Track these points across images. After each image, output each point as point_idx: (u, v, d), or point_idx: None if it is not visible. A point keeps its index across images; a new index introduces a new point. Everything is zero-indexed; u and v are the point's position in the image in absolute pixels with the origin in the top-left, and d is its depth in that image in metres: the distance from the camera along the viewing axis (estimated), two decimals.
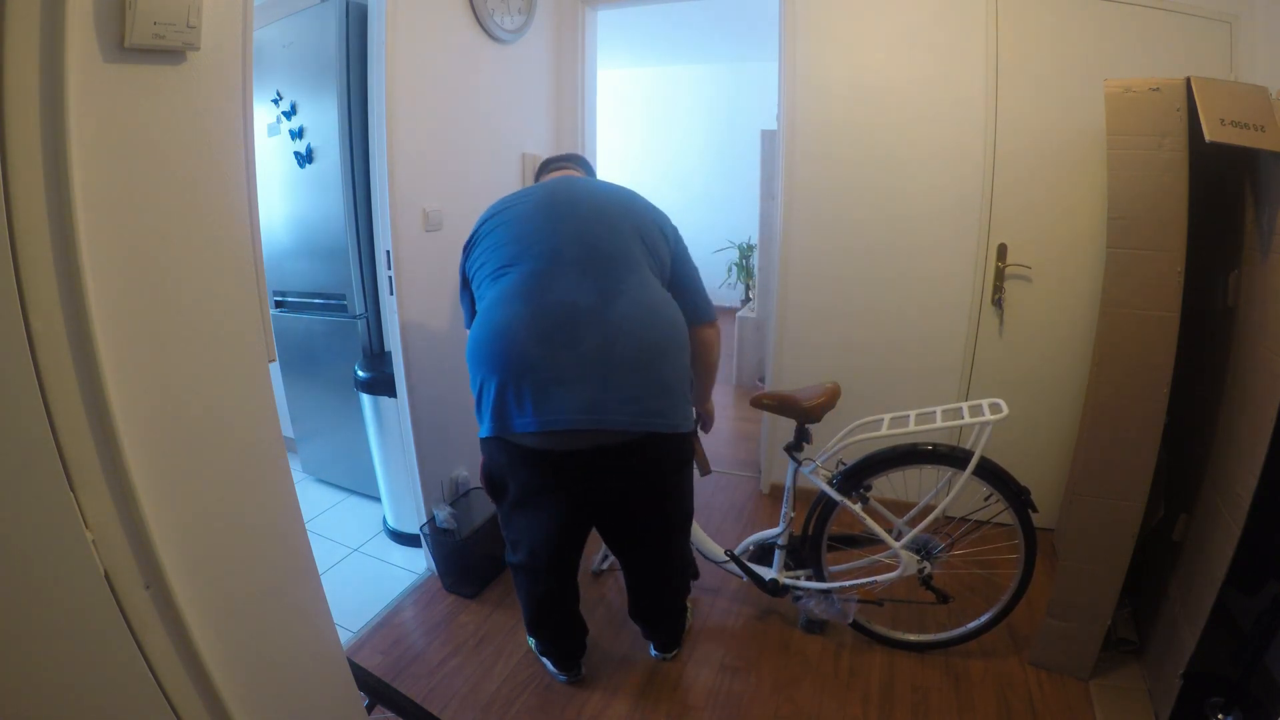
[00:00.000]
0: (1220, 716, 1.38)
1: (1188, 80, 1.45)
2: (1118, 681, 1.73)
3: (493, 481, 1.62)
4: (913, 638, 1.90)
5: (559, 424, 1.41)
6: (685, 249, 1.67)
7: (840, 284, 2.58)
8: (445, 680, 1.82)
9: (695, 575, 1.97)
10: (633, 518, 1.66)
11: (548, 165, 1.82)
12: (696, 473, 1.81)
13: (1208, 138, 1.33)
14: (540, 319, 1.42)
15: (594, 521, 1.69)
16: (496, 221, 1.57)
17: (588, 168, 1.84)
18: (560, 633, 1.77)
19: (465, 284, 1.63)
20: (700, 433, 1.93)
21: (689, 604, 2.00)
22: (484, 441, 1.55)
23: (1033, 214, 2.30)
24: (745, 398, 1.88)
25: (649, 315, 1.46)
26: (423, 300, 2.15)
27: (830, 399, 1.78)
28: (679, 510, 1.70)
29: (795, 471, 1.84)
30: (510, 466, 1.53)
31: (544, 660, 1.85)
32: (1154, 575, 1.81)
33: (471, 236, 1.61)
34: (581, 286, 1.43)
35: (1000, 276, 2.36)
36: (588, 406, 1.40)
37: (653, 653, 1.89)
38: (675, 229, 1.66)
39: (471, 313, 1.62)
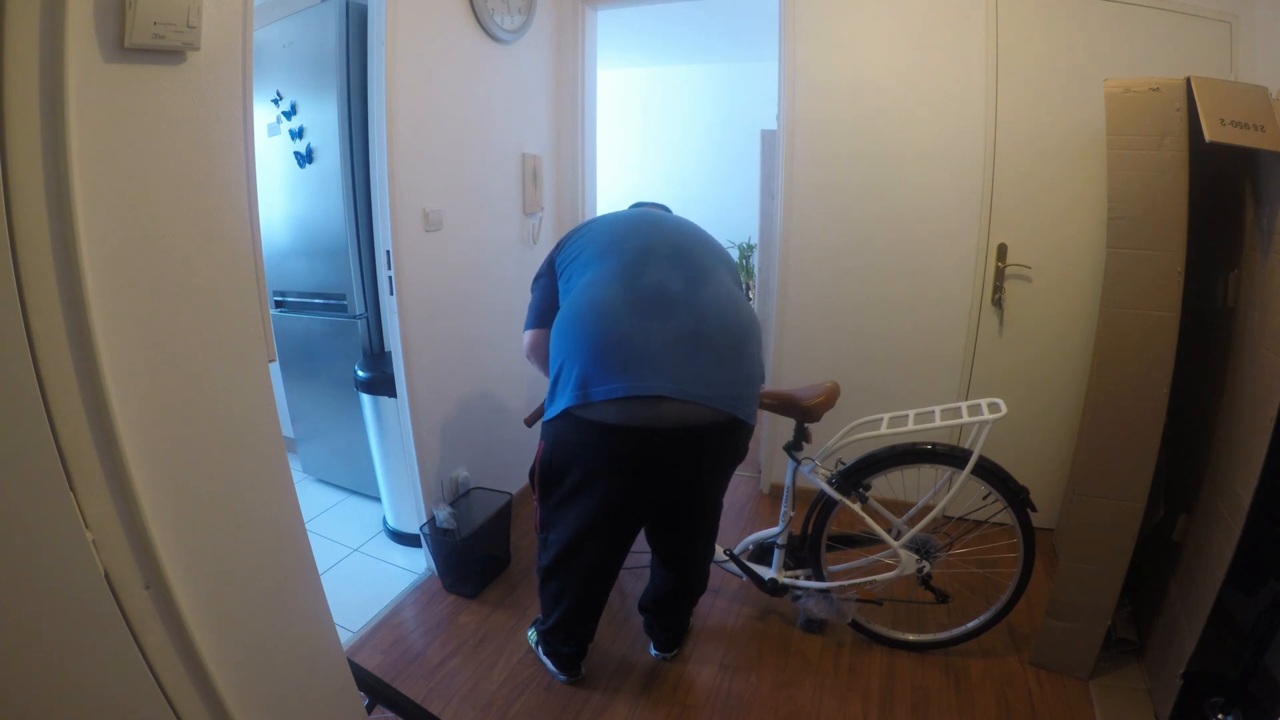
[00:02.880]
0: (1220, 716, 1.38)
1: (1188, 80, 1.45)
2: (1118, 681, 1.73)
3: (550, 469, 1.56)
4: (912, 637, 1.90)
5: (646, 389, 1.38)
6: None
7: (840, 283, 2.58)
8: (445, 680, 1.82)
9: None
10: (685, 506, 1.69)
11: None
12: None
13: (1208, 138, 1.33)
14: (635, 297, 1.47)
15: (647, 515, 1.67)
16: (592, 226, 1.68)
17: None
18: (577, 638, 1.75)
19: (550, 273, 1.69)
20: None
21: None
22: (551, 423, 1.50)
23: (1032, 214, 2.30)
24: None
25: (734, 307, 1.53)
26: (423, 300, 2.15)
27: (830, 398, 1.78)
28: (718, 508, 1.78)
29: (795, 471, 1.84)
30: (579, 446, 1.48)
31: (545, 660, 1.84)
32: (1154, 575, 1.81)
33: (567, 236, 1.70)
34: (672, 275, 1.51)
35: (1000, 276, 2.36)
36: (676, 379, 1.40)
37: (652, 651, 1.89)
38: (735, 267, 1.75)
39: (544, 303, 1.69)
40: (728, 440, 1.51)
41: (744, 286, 1.74)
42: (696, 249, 1.61)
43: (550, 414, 1.50)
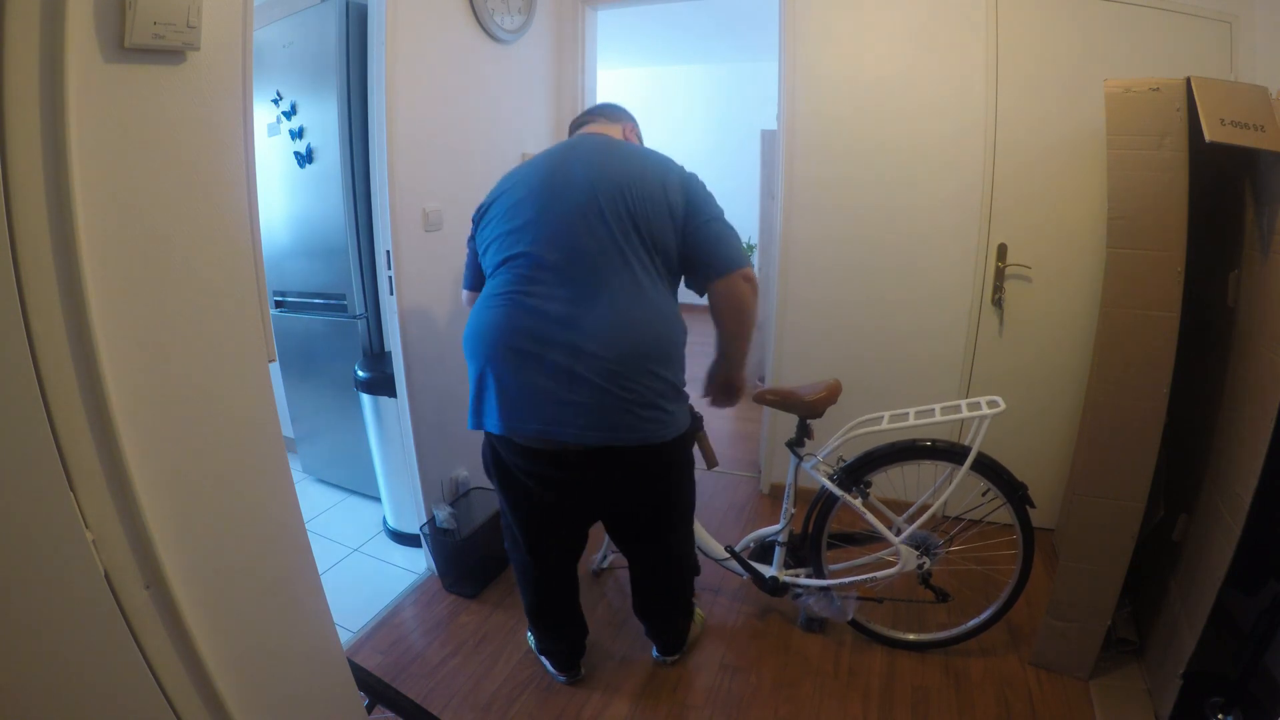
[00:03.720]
0: (1220, 716, 1.38)
1: (1188, 80, 1.45)
2: (1118, 681, 1.73)
3: (487, 469, 1.67)
4: (912, 636, 1.90)
5: (520, 434, 1.47)
6: (703, 201, 1.50)
7: (840, 283, 2.58)
8: (445, 680, 1.82)
9: (696, 571, 1.96)
10: (622, 515, 1.68)
11: (576, 123, 1.74)
12: (701, 465, 1.82)
13: (1208, 138, 1.33)
14: (513, 327, 1.43)
15: (582, 518, 1.71)
16: (502, 204, 1.51)
17: (614, 115, 1.72)
18: (557, 627, 1.78)
19: (473, 240, 1.61)
20: (715, 410, 1.85)
21: (697, 611, 1.99)
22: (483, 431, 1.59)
23: (1032, 213, 2.30)
24: (746, 396, 1.87)
25: (624, 330, 1.40)
26: (423, 300, 2.15)
27: (832, 395, 1.79)
28: (674, 510, 1.69)
29: (796, 467, 1.84)
30: (495, 456, 1.60)
31: (543, 659, 1.85)
32: (1154, 575, 1.81)
33: (481, 208, 1.57)
34: (555, 295, 1.41)
35: (1000, 276, 2.36)
36: (547, 419, 1.43)
37: (655, 655, 1.88)
38: (688, 184, 1.50)
39: (473, 265, 1.63)
40: (625, 464, 1.49)
41: (694, 203, 1.48)
42: (596, 235, 1.40)
43: (469, 423, 1.57)
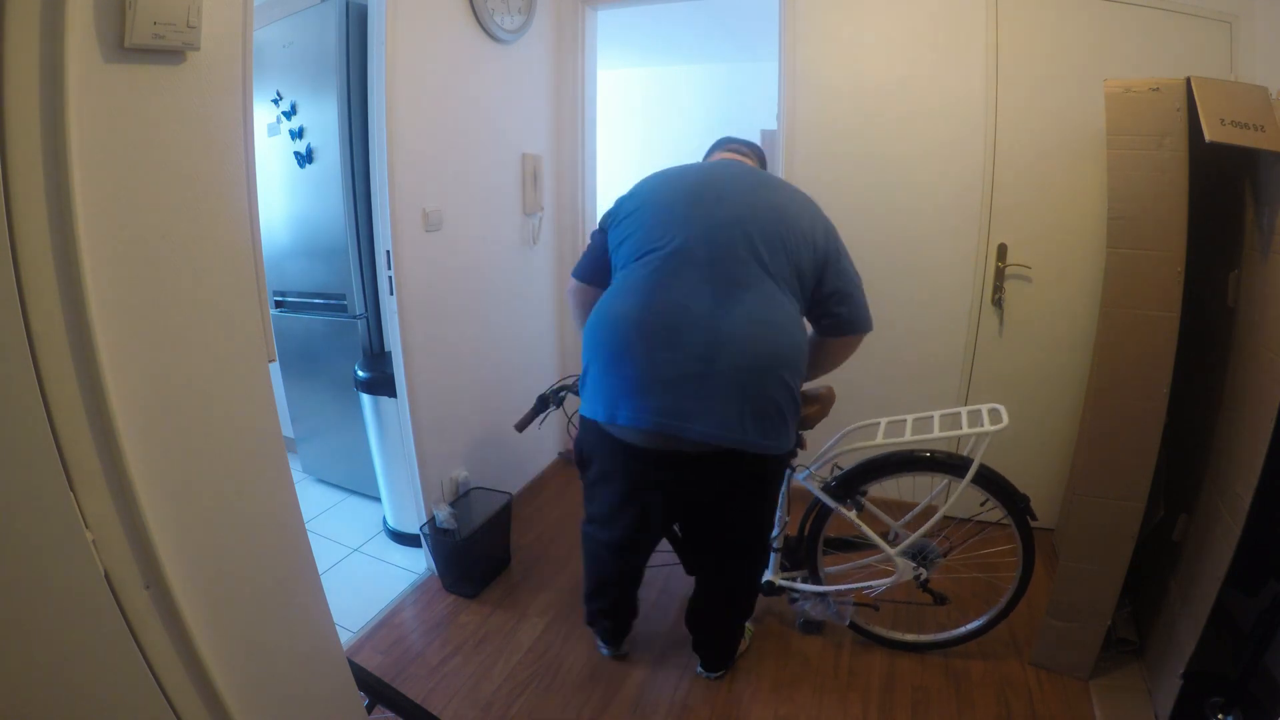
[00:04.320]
0: (1220, 716, 1.38)
1: (1188, 80, 1.45)
2: (1118, 681, 1.73)
3: (580, 455, 1.66)
4: (911, 638, 1.90)
5: (640, 423, 1.42)
6: (843, 258, 1.57)
7: None
8: (445, 680, 1.82)
9: (759, 592, 1.87)
10: (702, 526, 1.68)
11: (720, 144, 1.76)
12: None
13: (1208, 138, 1.33)
14: (650, 317, 1.41)
15: (667, 519, 1.71)
16: (645, 198, 1.53)
17: (761, 158, 1.76)
18: (611, 610, 1.82)
19: (603, 232, 1.60)
20: None
21: (749, 626, 1.96)
22: (580, 416, 1.59)
23: (1032, 214, 2.30)
24: None
25: (763, 331, 1.40)
26: (423, 300, 2.15)
27: (824, 407, 1.72)
28: (752, 533, 1.66)
29: (789, 478, 1.83)
30: (597, 447, 1.58)
31: (592, 631, 1.92)
32: (1154, 575, 1.81)
33: (620, 202, 1.58)
34: (699, 291, 1.40)
35: (1000, 276, 2.36)
36: (672, 412, 1.40)
37: (698, 670, 1.85)
38: (832, 237, 1.55)
39: (591, 260, 1.62)
40: (734, 472, 1.48)
41: (834, 256, 1.55)
42: (742, 245, 1.42)
43: (581, 409, 1.56)
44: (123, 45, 0.74)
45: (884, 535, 1.77)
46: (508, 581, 2.26)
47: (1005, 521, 1.72)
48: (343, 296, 2.56)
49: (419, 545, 2.34)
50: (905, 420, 1.70)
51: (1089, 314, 2.23)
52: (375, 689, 1.40)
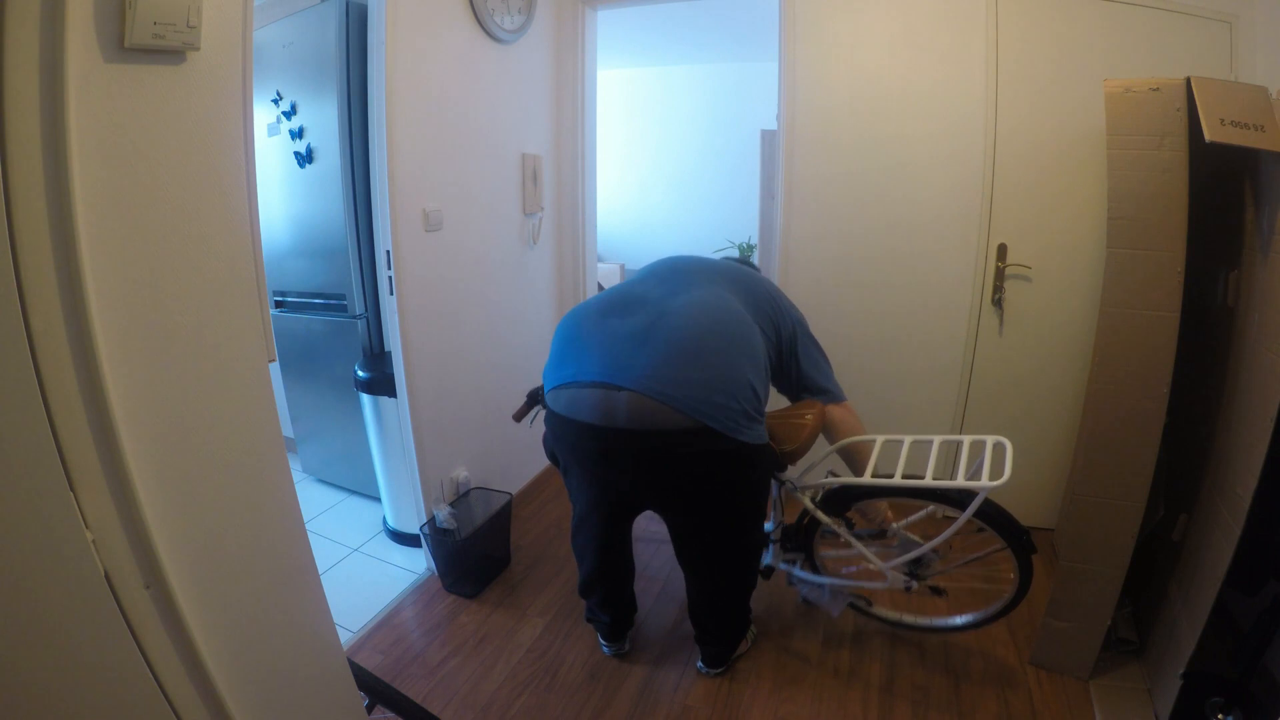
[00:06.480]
0: (1220, 716, 1.38)
1: (1188, 80, 1.45)
2: (1118, 681, 1.73)
3: (550, 454, 1.72)
4: (910, 619, 1.91)
5: (584, 376, 1.45)
6: (808, 338, 1.77)
7: (839, 282, 2.58)
8: (445, 680, 1.82)
9: (752, 587, 1.81)
10: (676, 523, 1.67)
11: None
12: None
13: (1208, 138, 1.33)
14: (607, 297, 1.62)
15: (629, 507, 1.74)
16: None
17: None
18: (606, 602, 1.85)
19: None
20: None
21: (751, 627, 1.92)
22: (545, 415, 1.66)
23: (1033, 214, 2.30)
24: None
25: (709, 311, 1.52)
26: (423, 300, 2.15)
27: (808, 442, 1.66)
28: (726, 534, 1.62)
29: (780, 489, 1.83)
30: (558, 441, 1.61)
31: (593, 625, 1.95)
32: (1154, 575, 1.81)
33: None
34: (656, 287, 1.62)
35: (1000, 276, 2.36)
36: (612, 367, 1.43)
37: (698, 665, 1.84)
38: (797, 320, 1.76)
39: None
40: (696, 449, 1.40)
41: (799, 330, 1.76)
42: (703, 273, 1.67)
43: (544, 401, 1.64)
44: (123, 45, 0.74)
45: (883, 534, 1.77)
46: (508, 581, 2.26)
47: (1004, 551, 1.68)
48: (343, 296, 2.56)
49: (419, 545, 2.34)
50: (902, 441, 1.62)
51: (1089, 314, 2.23)
52: (375, 689, 1.40)
